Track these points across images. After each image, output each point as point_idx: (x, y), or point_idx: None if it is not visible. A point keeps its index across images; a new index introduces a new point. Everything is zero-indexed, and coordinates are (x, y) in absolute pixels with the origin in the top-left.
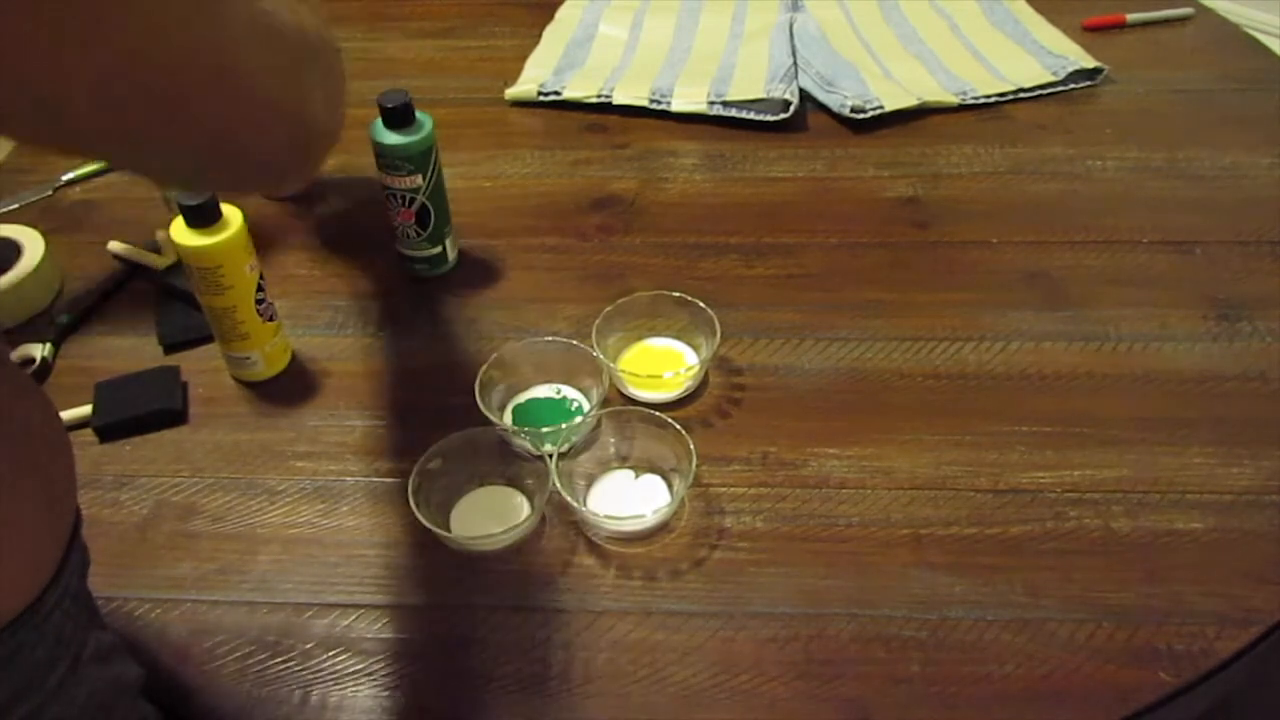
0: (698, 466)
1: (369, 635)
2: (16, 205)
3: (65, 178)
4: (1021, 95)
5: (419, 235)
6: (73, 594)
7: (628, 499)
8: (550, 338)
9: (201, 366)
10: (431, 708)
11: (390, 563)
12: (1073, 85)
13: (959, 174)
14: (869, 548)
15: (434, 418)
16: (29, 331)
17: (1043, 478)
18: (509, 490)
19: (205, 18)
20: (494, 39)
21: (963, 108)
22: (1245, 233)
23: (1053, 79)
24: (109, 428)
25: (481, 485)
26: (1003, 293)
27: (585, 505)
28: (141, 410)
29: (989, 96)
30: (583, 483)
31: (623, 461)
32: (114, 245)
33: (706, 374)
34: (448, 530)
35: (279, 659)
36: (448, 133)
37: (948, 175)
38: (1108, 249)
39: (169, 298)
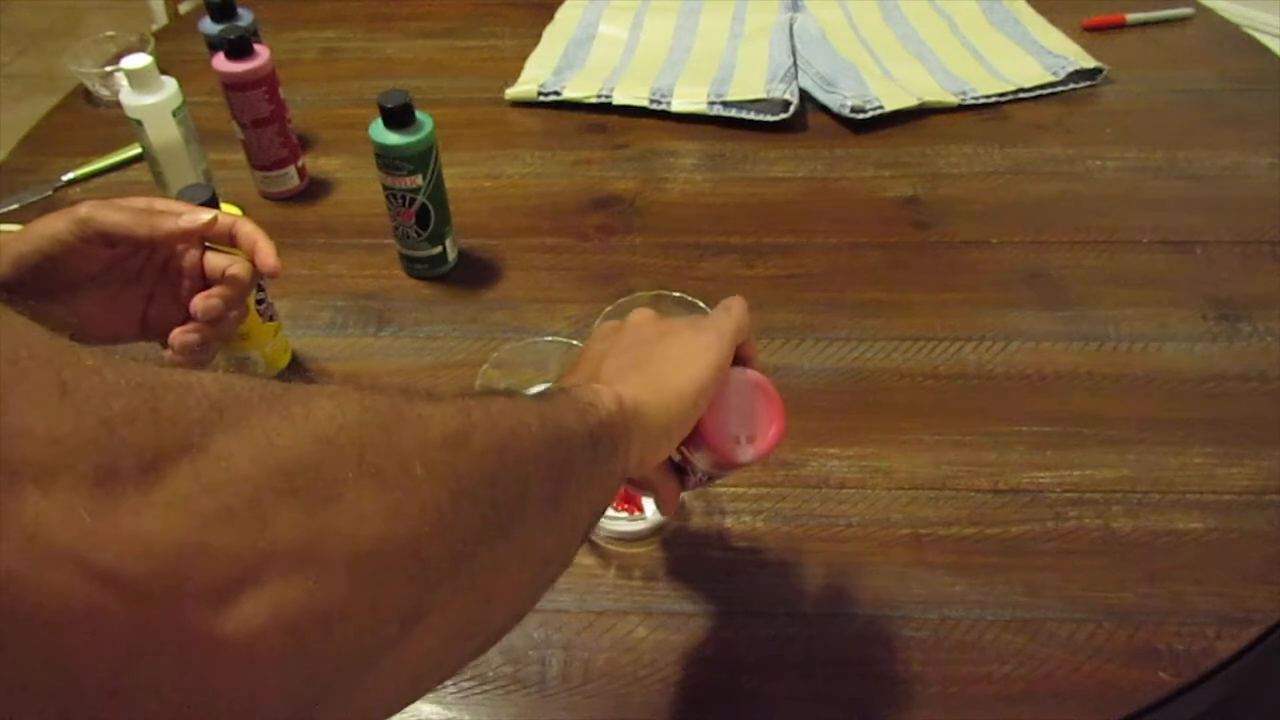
0: None
1: None
2: (16, 205)
3: (65, 178)
4: (1021, 95)
5: (419, 235)
6: None
7: None
8: (550, 338)
9: None
10: (430, 708)
11: None
12: (1073, 85)
13: (959, 174)
14: (869, 548)
15: None
16: None
17: (1043, 478)
18: None
19: None
20: (494, 39)
21: (963, 108)
22: (1245, 233)
23: (1053, 79)
24: None
25: None
26: (1003, 293)
27: None
28: None
29: (989, 96)
30: None
31: None
32: None
33: None
34: None
35: None
36: (448, 133)
37: (948, 175)
38: (1108, 249)
39: None
